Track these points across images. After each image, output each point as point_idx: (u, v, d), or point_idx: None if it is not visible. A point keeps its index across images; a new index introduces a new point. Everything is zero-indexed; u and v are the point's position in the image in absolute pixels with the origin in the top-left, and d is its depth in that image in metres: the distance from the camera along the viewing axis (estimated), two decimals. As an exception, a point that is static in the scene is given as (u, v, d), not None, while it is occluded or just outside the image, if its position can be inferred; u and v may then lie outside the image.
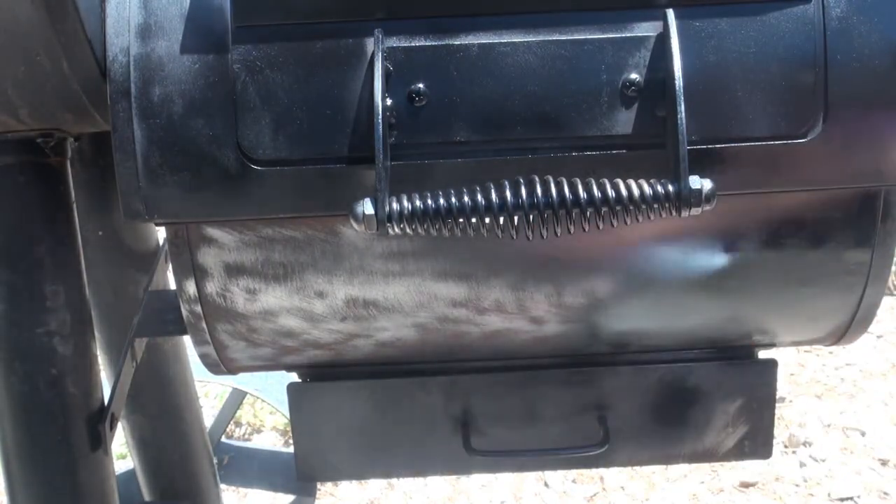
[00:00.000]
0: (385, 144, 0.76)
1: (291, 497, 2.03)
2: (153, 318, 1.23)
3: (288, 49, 0.81)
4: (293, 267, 0.91)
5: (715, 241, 0.90)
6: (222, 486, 1.77)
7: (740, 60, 0.80)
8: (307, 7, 0.80)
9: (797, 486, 2.53)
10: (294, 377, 1.07)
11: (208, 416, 2.24)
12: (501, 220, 0.75)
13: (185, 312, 0.92)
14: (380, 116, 0.76)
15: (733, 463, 2.53)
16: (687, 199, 0.75)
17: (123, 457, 2.40)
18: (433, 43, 0.80)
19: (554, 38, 0.80)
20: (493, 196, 0.74)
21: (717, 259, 0.92)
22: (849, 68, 0.80)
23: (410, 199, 0.75)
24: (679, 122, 0.76)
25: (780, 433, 2.66)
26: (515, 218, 0.75)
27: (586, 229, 0.76)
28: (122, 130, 0.80)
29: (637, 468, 2.55)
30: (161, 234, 1.38)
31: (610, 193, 0.74)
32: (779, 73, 0.81)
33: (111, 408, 1.09)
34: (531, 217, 0.75)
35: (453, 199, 0.74)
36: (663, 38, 0.79)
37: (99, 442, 1.07)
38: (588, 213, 0.75)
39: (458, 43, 0.80)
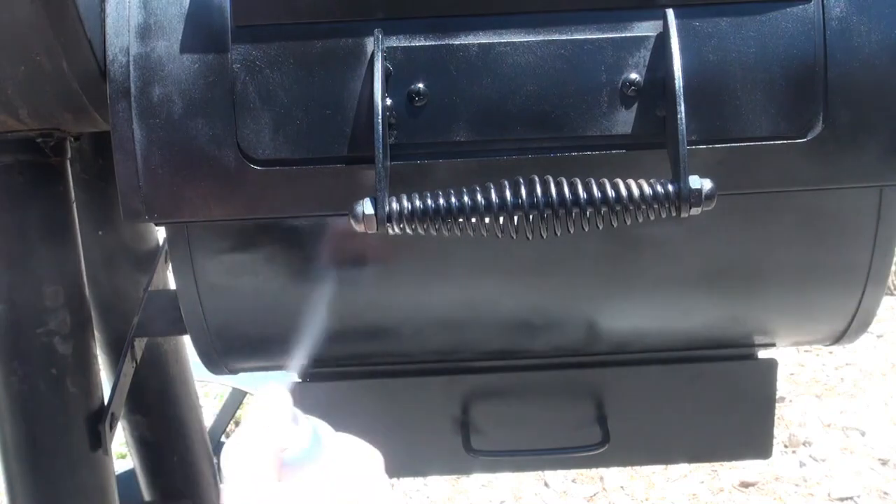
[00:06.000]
0: (385, 144, 0.76)
1: (291, 497, 2.03)
2: (153, 318, 1.23)
3: (288, 49, 0.81)
4: (293, 267, 0.91)
5: (715, 241, 0.90)
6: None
7: (740, 60, 0.80)
8: (307, 7, 0.80)
9: (797, 486, 2.53)
10: (294, 377, 1.07)
11: (208, 416, 2.23)
12: (501, 220, 0.75)
13: (184, 312, 0.92)
14: (380, 116, 0.76)
15: (733, 463, 2.53)
16: (687, 198, 0.74)
17: (123, 457, 2.40)
18: (433, 43, 0.80)
19: (554, 38, 0.80)
20: (493, 196, 0.74)
21: (717, 259, 0.92)
22: (849, 68, 0.80)
23: (410, 199, 0.75)
24: (679, 122, 0.76)
25: (780, 433, 2.66)
26: (515, 218, 0.75)
27: (586, 229, 0.76)
28: (122, 130, 0.80)
29: (637, 468, 2.54)
30: (161, 234, 1.38)
31: (610, 193, 0.74)
32: (779, 73, 0.81)
33: (111, 408, 1.09)
34: (531, 217, 0.75)
35: (453, 199, 0.74)
36: (663, 38, 0.79)
37: (99, 442, 1.07)
38: (588, 213, 0.75)
39: (458, 43, 0.80)
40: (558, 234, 0.76)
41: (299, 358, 1.04)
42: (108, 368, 1.39)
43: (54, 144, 0.99)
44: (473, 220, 0.75)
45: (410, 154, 0.81)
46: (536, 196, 0.74)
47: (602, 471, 2.56)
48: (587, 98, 0.80)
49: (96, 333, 1.29)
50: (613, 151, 0.81)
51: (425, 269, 0.91)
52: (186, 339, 1.43)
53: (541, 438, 1.09)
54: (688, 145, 0.75)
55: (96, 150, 1.23)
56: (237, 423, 2.74)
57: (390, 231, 0.75)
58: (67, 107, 0.91)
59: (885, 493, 2.48)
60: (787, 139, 0.81)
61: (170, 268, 0.92)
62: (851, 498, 2.47)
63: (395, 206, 0.74)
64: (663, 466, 2.56)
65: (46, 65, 0.85)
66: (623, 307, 0.96)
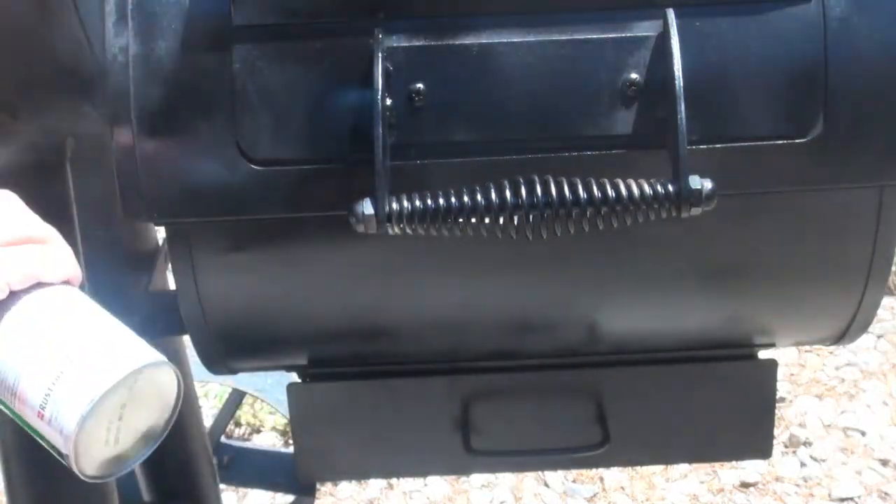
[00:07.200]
0: (385, 144, 0.76)
1: (291, 497, 2.03)
2: (153, 318, 1.22)
3: (288, 48, 0.81)
4: (293, 266, 0.91)
5: (715, 241, 0.90)
6: (222, 486, 1.77)
7: (740, 60, 0.80)
8: (307, 6, 0.80)
9: (797, 486, 2.52)
10: (294, 377, 1.07)
11: (208, 416, 2.23)
12: (501, 220, 0.75)
13: (184, 312, 0.92)
14: (380, 116, 0.76)
15: (733, 463, 2.53)
16: (687, 198, 0.74)
17: (123, 457, 2.39)
18: (433, 43, 0.80)
19: (554, 38, 0.80)
20: (493, 196, 0.74)
21: (717, 259, 0.92)
22: (849, 68, 0.80)
23: (410, 199, 0.75)
24: (679, 122, 0.76)
25: (780, 433, 2.66)
26: (515, 218, 0.75)
27: (586, 229, 0.76)
28: (122, 130, 0.80)
29: (637, 468, 2.54)
30: (161, 233, 1.38)
31: (610, 193, 0.74)
32: (779, 73, 0.81)
33: (111, 408, 1.09)
34: (531, 217, 0.75)
35: (453, 199, 0.74)
36: (663, 38, 0.79)
37: (99, 442, 1.07)
38: (588, 213, 0.75)
39: (458, 43, 0.80)
40: (558, 234, 0.76)
41: (299, 358, 1.04)
42: (108, 368, 1.39)
43: (54, 144, 0.99)
44: (473, 220, 0.75)
45: (410, 154, 0.81)
46: (536, 196, 0.74)
47: (602, 471, 2.56)
48: (587, 98, 0.80)
49: (96, 333, 1.29)
50: (613, 151, 0.81)
51: (425, 269, 0.91)
52: (186, 339, 1.43)
53: (541, 439, 1.09)
54: (688, 145, 0.75)
55: (96, 150, 1.23)
56: (237, 424, 2.74)
57: (390, 231, 0.75)
58: (67, 107, 0.91)
59: (886, 494, 2.48)
60: (787, 139, 0.81)
61: (170, 268, 0.92)
62: (851, 498, 2.47)
63: (395, 206, 0.74)
64: (663, 466, 2.55)
65: (46, 65, 0.85)
66: (623, 307, 0.96)
